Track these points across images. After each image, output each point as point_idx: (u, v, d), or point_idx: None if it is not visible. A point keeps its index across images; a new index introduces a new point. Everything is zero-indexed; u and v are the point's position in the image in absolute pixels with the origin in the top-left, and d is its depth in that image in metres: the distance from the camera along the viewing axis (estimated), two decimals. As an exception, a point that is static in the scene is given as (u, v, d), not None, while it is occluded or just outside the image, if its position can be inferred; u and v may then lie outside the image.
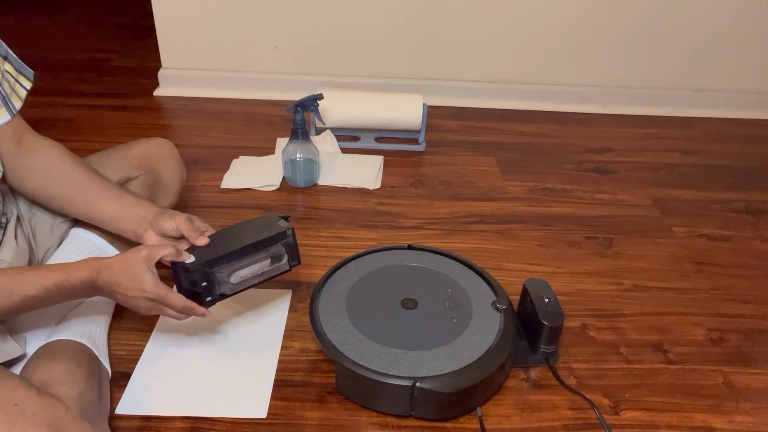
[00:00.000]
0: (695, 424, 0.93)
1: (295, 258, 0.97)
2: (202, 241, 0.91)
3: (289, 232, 0.95)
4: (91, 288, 0.83)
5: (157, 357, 1.00)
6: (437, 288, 1.04)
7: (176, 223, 0.92)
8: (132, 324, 1.05)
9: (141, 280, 0.82)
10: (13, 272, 0.82)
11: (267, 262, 0.94)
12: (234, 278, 0.91)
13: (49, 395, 0.75)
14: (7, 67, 0.91)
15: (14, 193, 1.02)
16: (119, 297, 0.84)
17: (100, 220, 0.97)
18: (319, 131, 1.69)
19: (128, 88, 1.97)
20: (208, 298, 0.90)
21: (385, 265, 1.09)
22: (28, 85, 0.95)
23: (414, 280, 1.06)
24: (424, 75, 1.93)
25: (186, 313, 0.88)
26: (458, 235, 1.34)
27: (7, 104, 0.90)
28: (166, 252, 0.85)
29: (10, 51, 0.92)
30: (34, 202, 1.00)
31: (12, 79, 0.91)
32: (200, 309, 0.88)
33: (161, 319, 1.07)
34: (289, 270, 0.98)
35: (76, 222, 1.06)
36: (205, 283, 0.88)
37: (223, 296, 0.92)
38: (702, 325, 1.12)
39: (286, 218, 0.99)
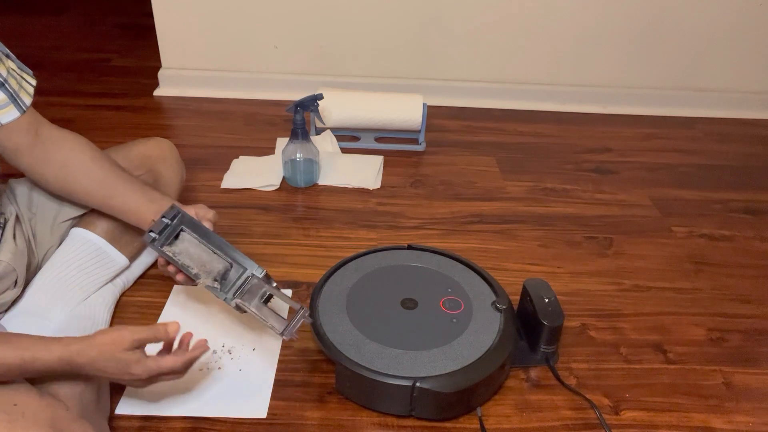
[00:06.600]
0: (695, 424, 0.93)
1: (229, 292, 0.90)
2: (207, 224, 0.95)
3: (258, 273, 0.91)
4: (65, 365, 0.75)
5: (157, 357, 1.00)
6: (437, 288, 1.04)
7: (196, 209, 0.96)
8: (132, 324, 1.05)
9: (127, 365, 0.77)
10: None
11: (215, 263, 0.91)
12: (180, 245, 0.92)
13: (49, 395, 0.75)
14: (11, 64, 0.91)
15: (13, 192, 1.02)
16: (105, 379, 0.82)
17: (120, 215, 0.99)
18: (319, 131, 1.69)
19: (128, 88, 1.97)
20: (153, 234, 0.90)
21: (385, 265, 1.09)
22: (33, 81, 0.95)
23: (414, 280, 1.06)
24: (424, 75, 1.93)
25: (189, 365, 0.83)
26: (458, 235, 1.34)
27: (15, 101, 0.90)
28: (147, 336, 0.79)
29: (8, 50, 0.92)
30: (56, 196, 1.01)
31: (18, 76, 0.92)
32: (199, 349, 0.83)
33: (161, 318, 1.07)
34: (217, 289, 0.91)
35: (77, 222, 1.06)
36: (170, 223, 0.91)
37: (162, 252, 0.91)
38: (702, 325, 1.12)
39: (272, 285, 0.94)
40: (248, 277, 0.91)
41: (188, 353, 0.82)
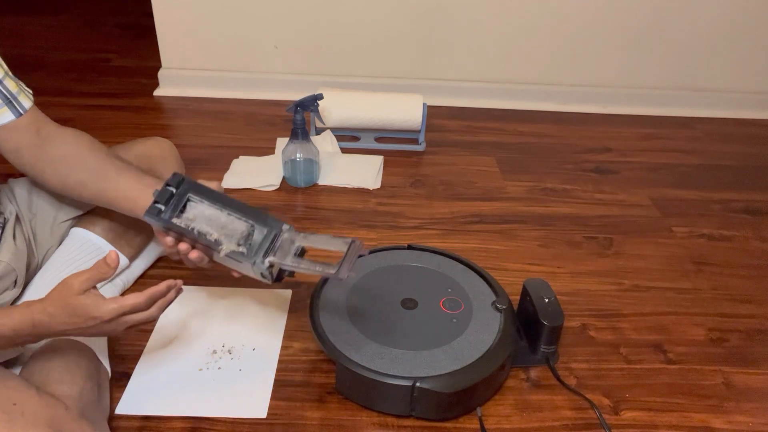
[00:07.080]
0: (695, 424, 0.93)
1: (257, 254, 0.81)
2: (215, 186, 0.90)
3: (285, 228, 0.84)
4: (29, 326, 0.75)
5: (158, 357, 1.00)
6: (437, 288, 1.04)
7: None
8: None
9: (85, 310, 0.74)
10: None
11: (237, 224, 0.83)
12: (192, 211, 0.83)
13: (48, 395, 0.75)
14: (5, 69, 0.91)
15: (13, 192, 1.02)
16: (74, 333, 0.77)
17: (115, 203, 0.94)
18: (319, 131, 1.69)
19: (128, 88, 1.97)
20: (159, 205, 0.82)
21: (385, 265, 1.09)
22: (29, 90, 0.94)
23: (414, 280, 1.06)
24: (424, 75, 1.93)
25: (153, 301, 0.78)
26: (458, 235, 1.34)
27: (11, 103, 0.89)
28: (91, 274, 0.75)
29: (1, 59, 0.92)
30: (60, 196, 1.00)
31: (16, 79, 0.91)
32: (164, 284, 0.78)
33: (161, 318, 1.07)
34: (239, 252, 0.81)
35: (77, 222, 1.06)
36: (175, 191, 0.83)
37: (173, 224, 0.82)
38: (702, 325, 1.12)
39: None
40: (276, 234, 0.83)
41: (151, 288, 0.77)
